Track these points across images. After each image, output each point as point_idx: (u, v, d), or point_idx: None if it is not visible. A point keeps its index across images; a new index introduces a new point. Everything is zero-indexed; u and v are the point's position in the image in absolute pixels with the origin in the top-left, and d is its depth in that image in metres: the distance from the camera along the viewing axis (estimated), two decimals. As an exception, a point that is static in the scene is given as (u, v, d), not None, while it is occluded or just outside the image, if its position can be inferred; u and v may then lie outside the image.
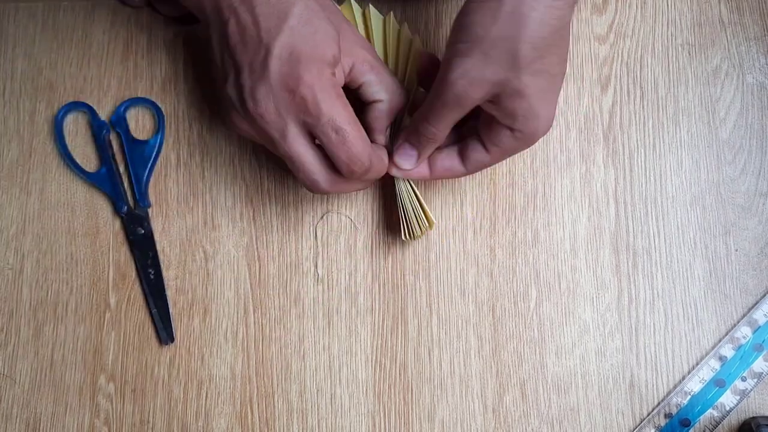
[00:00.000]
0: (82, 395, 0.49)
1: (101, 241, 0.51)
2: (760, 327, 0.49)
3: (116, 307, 0.50)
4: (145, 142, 0.52)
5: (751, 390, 0.48)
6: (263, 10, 0.42)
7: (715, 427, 0.48)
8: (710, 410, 0.48)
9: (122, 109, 0.52)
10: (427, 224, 0.48)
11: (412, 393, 0.49)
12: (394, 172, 0.47)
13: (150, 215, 0.51)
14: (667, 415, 0.48)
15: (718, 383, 0.49)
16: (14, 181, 0.52)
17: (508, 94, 0.40)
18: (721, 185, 0.52)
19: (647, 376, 0.49)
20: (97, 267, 0.51)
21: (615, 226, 0.51)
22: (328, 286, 0.51)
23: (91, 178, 0.51)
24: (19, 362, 0.50)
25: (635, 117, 0.53)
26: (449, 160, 0.46)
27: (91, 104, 0.52)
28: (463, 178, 0.51)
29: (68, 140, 0.52)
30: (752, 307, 0.50)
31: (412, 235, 0.48)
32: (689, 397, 0.48)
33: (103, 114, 0.53)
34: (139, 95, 0.53)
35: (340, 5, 0.49)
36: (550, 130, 0.47)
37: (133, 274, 0.51)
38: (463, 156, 0.45)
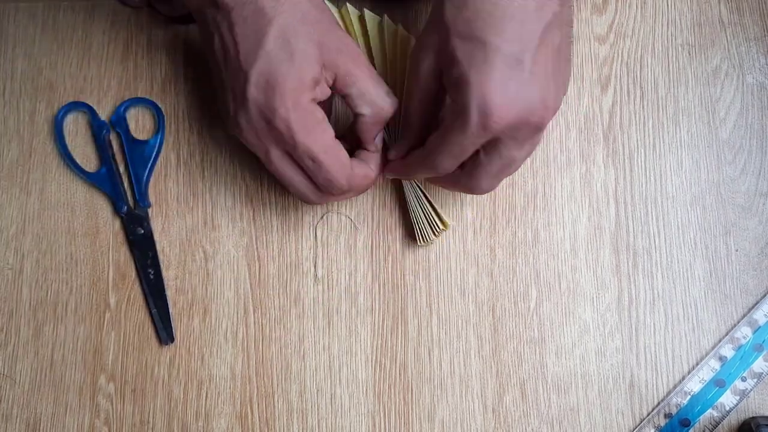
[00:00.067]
0: (82, 395, 0.49)
1: (101, 241, 0.51)
2: (760, 327, 0.49)
3: (116, 307, 0.50)
4: (145, 142, 0.52)
5: (751, 390, 0.48)
6: (241, 30, 0.41)
7: (715, 427, 0.48)
8: (710, 410, 0.48)
9: (122, 109, 0.52)
10: (441, 226, 0.48)
11: (412, 393, 0.49)
12: (386, 171, 0.48)
13: (150, 215, 0.51)
14: (667, 415, 0.48)
15: (718, 383, 0.49)
16: (14, 181, 0.52)
17: (446, 63, 0.41)
18: (722, 185, 0.52)
19: (647, 376, 0.49)
20: (96, 267, 0.51)
21: (615, 226, 0.51)
22: (328, 286, 0.51)
23: (91, 178, 0.51)
24: (19, 362, 0.50)
25: (635, 117, 0.53)
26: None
27: (91, 104, 0.52)
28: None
29: (68, 140, 0.52)
30: (752, 307, 0.50)
31: (427, 240, 0.48)
32: (689, 397, 0.48)
33: (103, 114, 0.53)
34: (139, 95, 0.53)
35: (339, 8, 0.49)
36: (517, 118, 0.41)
37: (133, 274, 0.51)
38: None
